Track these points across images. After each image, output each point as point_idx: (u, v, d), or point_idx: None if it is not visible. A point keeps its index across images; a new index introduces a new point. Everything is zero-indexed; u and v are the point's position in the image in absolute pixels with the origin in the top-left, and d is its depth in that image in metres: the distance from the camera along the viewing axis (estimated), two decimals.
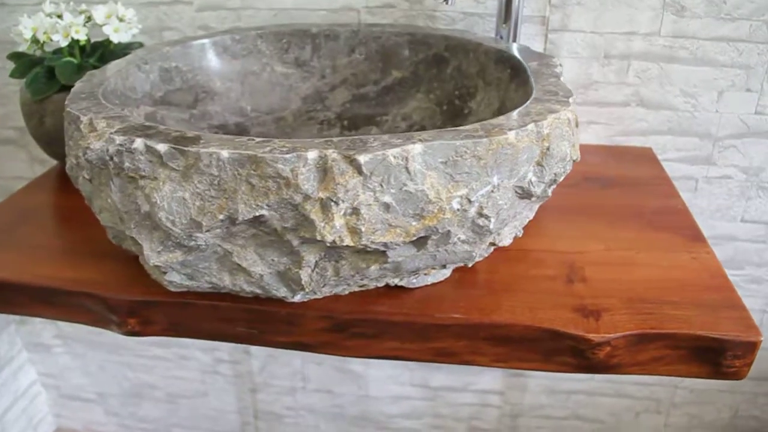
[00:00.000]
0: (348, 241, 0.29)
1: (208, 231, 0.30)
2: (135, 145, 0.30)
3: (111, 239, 0.38)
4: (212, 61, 0.51)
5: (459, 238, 0.32)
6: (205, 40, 0.50)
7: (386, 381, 0.75)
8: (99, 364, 0.79)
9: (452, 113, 0.48)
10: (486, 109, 0.46)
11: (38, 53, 0.52)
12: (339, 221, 0.29)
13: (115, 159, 0.31)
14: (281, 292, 0.34)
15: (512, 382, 0.72)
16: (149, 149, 0.30)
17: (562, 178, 0.35)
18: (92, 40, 0.52)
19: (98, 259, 0.40)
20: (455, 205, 0.30)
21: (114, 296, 0.38)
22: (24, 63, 0.50)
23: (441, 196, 0.30)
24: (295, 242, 0.30)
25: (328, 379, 0.76)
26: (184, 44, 0.49)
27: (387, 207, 0.29)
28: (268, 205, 0.29)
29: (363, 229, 0.29)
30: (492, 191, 0.31)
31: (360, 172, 0.28)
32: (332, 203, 0.28)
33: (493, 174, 0.31)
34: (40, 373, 0.81)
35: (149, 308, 0.37)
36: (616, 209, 0.46)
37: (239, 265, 0.33)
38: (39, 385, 0.82)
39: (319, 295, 0.35)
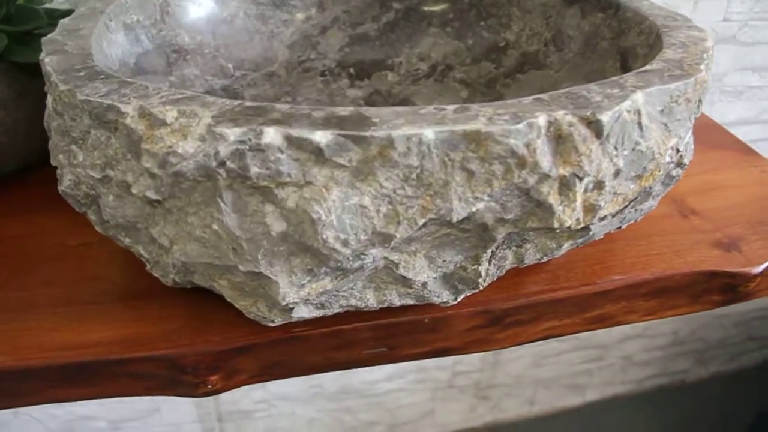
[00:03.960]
0: (582, 222, 0.23)
1: (397, 243, 0.22)
2: (266, 140, 0.20)
3: (172, 278, 0.27)
4: (174, 9, 0.38)
5: (652, 194, 0.27)
6: None
7: None
8: (13, 410, 0.63)
9: (485, 47, 0.42)
10: (533, 39, 0.40)
11: None
12: (579, 200, 0.22)
13: (231, 165, 0.21)
14: (443, 296, 0.27)
15: None
16: (295, 142, 0.20)
17: None
18: None
19: (137, 305, 0.29)
20: (667, 159, 0.25)
21: (186, 352, 0.27)
22: None
23: (660, 150, 0.25)
24: (501, 235, 0.23)
25: None
26: None
27: (617, 173, 0.23)
28: (489, 196, 0.21)
29: (602, 204, 0.23)
30: (690, 136, 0.27)
31: (599, 135, 0.22)
32: (576, 180, 0.22)
33: (692, 117, 0.26)
34: None
35: (240, 356, 0.28)
36: None
37: (404, 277, 0.25)
38: None
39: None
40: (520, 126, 0.20)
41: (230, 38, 0.40)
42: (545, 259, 0.27)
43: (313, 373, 0.30)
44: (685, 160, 0.27)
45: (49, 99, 0.26)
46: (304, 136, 0.20)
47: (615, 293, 0.31)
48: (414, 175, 0.21)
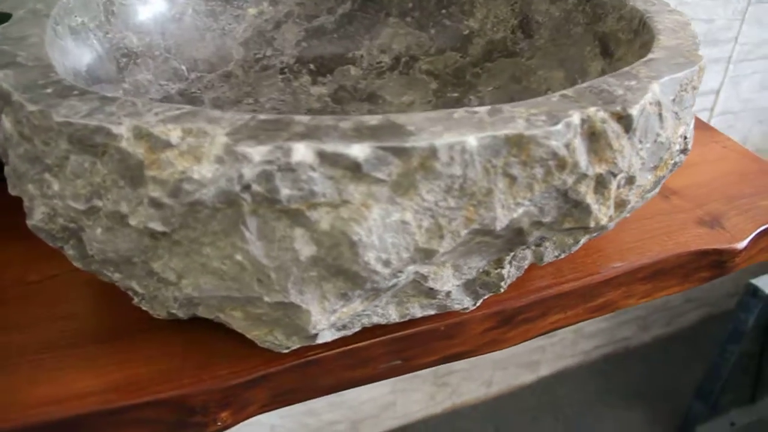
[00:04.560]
0: (613, 219, 0.23)
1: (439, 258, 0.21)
2: (297, 158, 0.18)
3: (168, 311, 0.24)
4: (118, 9, 0.34)
5: (661, 182, 0.27)
6: None
7: None
8: None
9: (448, 37, 0.41)
10: (498, 26, 0.40)
11: None
12: (612, 197, 0.22)
13: (258, 188, 0.19)
14: (464, 303, 0.26)
15: None
16: (329, 159, 0.18)
17: None
18: None
19: (122, 343, 0.26)
20: (677, 147, 0.25)
21: (193, 391, 0.25)
22: None
23: (674, 139, 0.25)
24: (534, 238, 0.23)
25: None
26: None
27: (642, 166, 0.23)
28: (530, 200, 0.21)
29: (631, 199, 0.23)
30: (693, 122, 0.27)
31: (627, 129, 0.21)
32: (611, 177, 0.21)
33: (693, 104, 0.26)
34: None
35: (251, 388, 0.26)
36: None
37: (431, 288, 0.23)
38: None
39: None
40: (559, 126, 0.20)
41: (181, 38, 0.37)
42: (562, 256, 0.27)
43: (327, 394, 0.28)
44: (689, 146, 0.27)
45: (7, 121, 0.22)
46: (339, 151, 0.18)
47: (616, 280, 0.31)
48: (456, 185, 0.19)
